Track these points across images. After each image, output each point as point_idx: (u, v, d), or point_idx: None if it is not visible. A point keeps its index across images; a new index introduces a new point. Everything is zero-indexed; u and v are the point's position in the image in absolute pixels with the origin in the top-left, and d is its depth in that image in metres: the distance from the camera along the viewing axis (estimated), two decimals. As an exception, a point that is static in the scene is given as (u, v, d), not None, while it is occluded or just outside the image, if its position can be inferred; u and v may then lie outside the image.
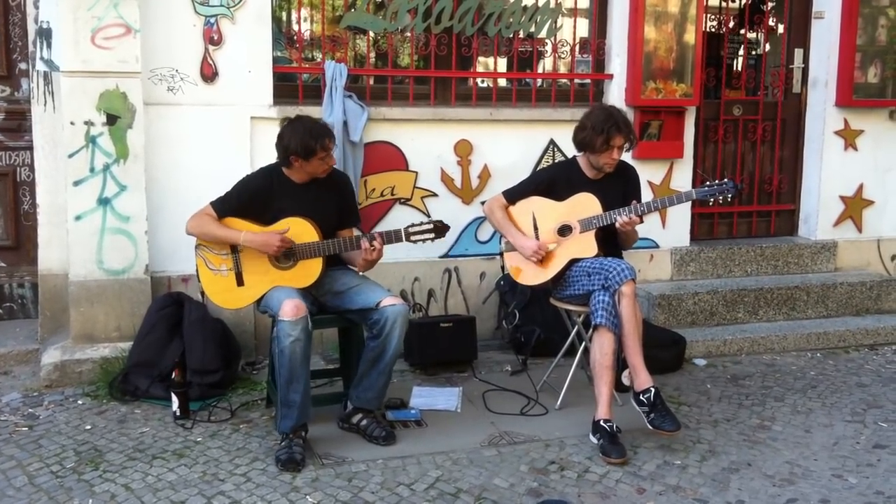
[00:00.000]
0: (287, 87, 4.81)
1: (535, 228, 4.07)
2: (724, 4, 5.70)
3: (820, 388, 4.58)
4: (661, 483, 3.43)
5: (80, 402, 4.15)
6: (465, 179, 5.11)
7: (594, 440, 3.71)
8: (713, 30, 5.76)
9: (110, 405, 4.11)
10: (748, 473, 3.54)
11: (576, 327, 4.24)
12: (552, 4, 5.18)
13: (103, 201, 4.36)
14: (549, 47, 5.28)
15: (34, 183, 4.66)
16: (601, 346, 3.73)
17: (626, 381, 3.83)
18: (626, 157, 4.20)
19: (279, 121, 4.33)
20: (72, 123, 4.28)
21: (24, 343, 4.69)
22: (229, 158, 4.54)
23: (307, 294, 3.73)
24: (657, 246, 5.47)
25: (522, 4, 5.15)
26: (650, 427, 3.67)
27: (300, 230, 3.72)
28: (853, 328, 5.33)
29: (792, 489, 3.41)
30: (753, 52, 6.09)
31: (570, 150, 4.21)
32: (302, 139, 3.66)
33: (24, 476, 3.39)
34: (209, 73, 4.57)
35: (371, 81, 5.01)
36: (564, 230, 4.02)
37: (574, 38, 5.39)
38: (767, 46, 5.87)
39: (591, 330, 3.87)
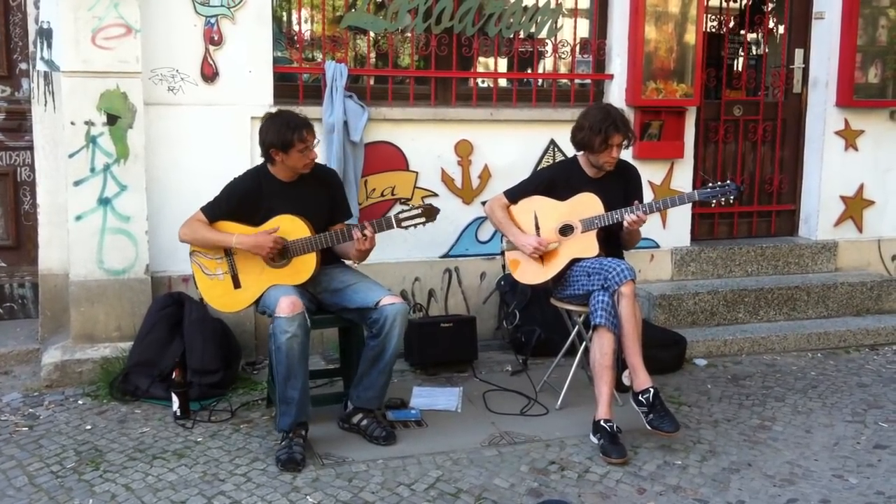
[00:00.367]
0: (287, 87, 4.81)
1: (537, 227, 4.06)
2: (724, 5, 5.71)
3: (820, 388, 4.57)
4: (661, 483, 3.43)
5: (80, 402, 4.15)
6: (465, 179, 5.11)
7: (594, 440, 3.71)
8: (713, 30, 5.77)
9: (111, 405, 4.11)
10: (748, 473, 3.54)
11: (576, 327, 4.24)
12: (552, 5, 5.18)
13: (104, 201, 4.36)
14: (549, 47, 5.28)
15: (34, 183, 4.66)
16: (601, 346, 3.73)
17: (626, 381, 3.82)
18: (627, 157, 4.20)
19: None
20: (72, 123, 4.29)
21: (25, 343, 4.69)
22: (230, 158, 4.53)
23: (305, 292, 3.74)
24: (658, 246, 5.47)
25: (523, 5, 5.15)
26: (649, 427, 3.67)
27: (291, 227, 3.72)
28: (854, 328, 5.33)
29: (792, 489, 3.41)
30: (754, 53, 6.10)
31: (571, 150, 4.21)
32: (279, 131, 3.66)
33: (24, 476, 3.39)
34: (209, 73, 4.58)
35: (371, 81, 5.01)
36: (566, 230, 4.02)
37: (574, 39, 5.39)
38: (768, 47, 5.87)
39: (591, 330, 3.87)
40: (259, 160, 3.92)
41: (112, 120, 4.32)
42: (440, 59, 5.04)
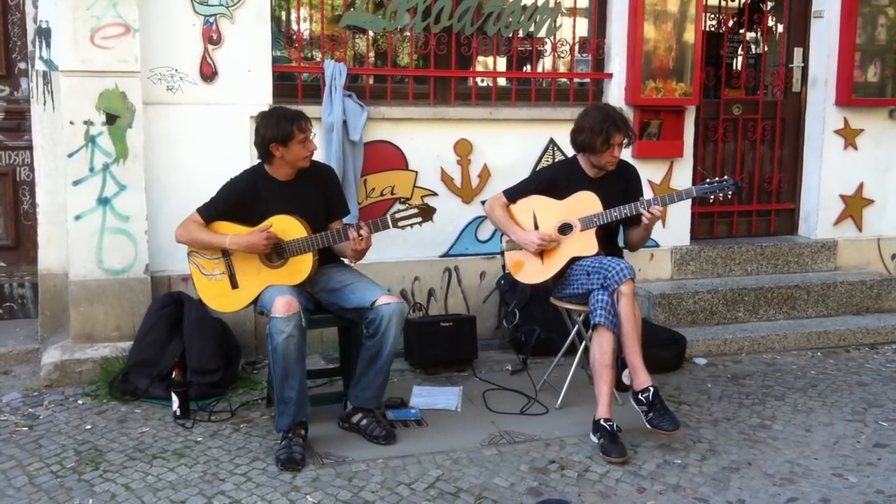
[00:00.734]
0: (286, 86, 4.81)
1: (536, 227, 4.06)
2: (723, 4, 5.70)
3: (820, 387, 4.57)
4: (661, 482, 3.43)
5: (80, 401, 4.15)
6: (464, 179, 5.10)
7: (594, 439, 3.71)
8: (713, 29, 5.77)
9: (110, 405, 4.11)
10: (748, 472, 3.54)
11: (576, 326, 4.24)
12: (551, 4, 5.18)
13: (103, 201, 4.36)
14: (548, 47, 5.28)
15: (34, 182, 4.66)
16: (600, 346, 3.73)
17: (626, 380, 3.82)
18: (626, 156, 4.20)
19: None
20: (71, 123, 4.28)
21: (24, 343, 4.68)
22: (229, 158, 4.53)
23: (302, 291, 3.73)
24: (657, 245, 5.47)
25: (522, 4, 5.14)
26: (648, 426, 3.67)
27: (287, 227, 3.71)
28: (853, 327, 5.33)
29: (792, 488, 3.41)
30: (753, 52, 6.10)
31: (570, 150, 4.21)
32: (277, 124, 3.66)
33: (24, 476, 3.39)
34: (208, 73, 4.57)
35: (370, 81, 5.01)
36: (565, 228, 4.01)
37: (573, 38, 5.38)
38: (767, 46, 5.87)
39: (590, 329, 3.87)
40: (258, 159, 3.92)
41: (111, 119, 4.32)
42: (439, 59, 5.04)
